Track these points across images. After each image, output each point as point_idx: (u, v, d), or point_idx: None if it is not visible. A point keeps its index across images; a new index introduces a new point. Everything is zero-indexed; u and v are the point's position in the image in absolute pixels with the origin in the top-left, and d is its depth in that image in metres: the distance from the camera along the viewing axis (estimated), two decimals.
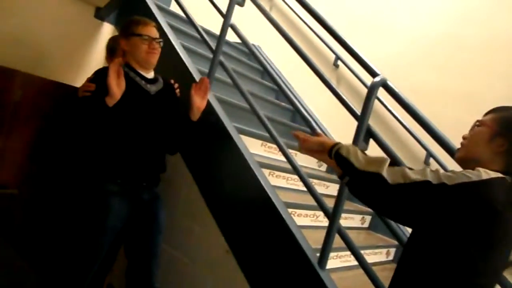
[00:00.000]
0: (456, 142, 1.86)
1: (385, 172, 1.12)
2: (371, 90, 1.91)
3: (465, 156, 1.23)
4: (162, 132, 2.01)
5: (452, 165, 2.35)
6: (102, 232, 1.85)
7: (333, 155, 1.29)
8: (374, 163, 1.16)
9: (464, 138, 1.26)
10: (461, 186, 1.03)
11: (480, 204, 1.04)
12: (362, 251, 1.93)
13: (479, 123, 1.23)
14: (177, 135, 2.08)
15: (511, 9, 2.88)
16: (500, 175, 1.08)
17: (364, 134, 1.88)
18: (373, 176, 1.13)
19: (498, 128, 1.16)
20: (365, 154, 1.24)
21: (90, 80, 1.88)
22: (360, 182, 1.19)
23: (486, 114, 1.25)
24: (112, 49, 2.35)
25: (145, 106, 1.95)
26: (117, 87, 1.77)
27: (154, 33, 1.98)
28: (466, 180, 1.04)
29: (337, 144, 1.31)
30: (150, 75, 2.02)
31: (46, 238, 2.32)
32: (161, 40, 2.00)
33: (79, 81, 2.35)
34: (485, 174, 1.06)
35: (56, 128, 2.28)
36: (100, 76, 1.82)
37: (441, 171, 1.08)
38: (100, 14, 3.13)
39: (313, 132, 2.32)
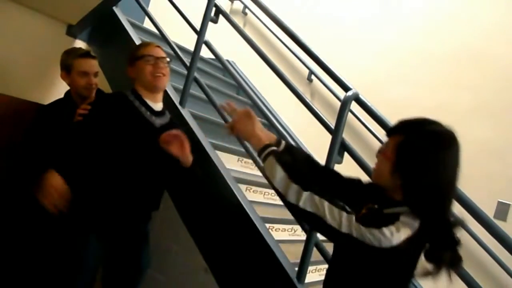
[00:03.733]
0: None
1: (302, 202, 1.16)
2: (344, 104, 1.94)
3: (376, 183, 1.28)
4: (165, 169, 1.81)
5: None
6: (79, 272, 1.74)
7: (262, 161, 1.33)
8: (292, 189, 1.19)
9: (379, 151, 1.26)
10: (368, 248, 1.08)
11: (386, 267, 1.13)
12: None
13: (381, 152, 1.25)
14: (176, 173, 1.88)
15: (474, 23, 3.00)
16: (408, 234, 1.11)
17: (339, 147, 1.91)
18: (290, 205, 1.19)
19: (395, 161, 1.17)
20: (287, 171, 1.23)
21: (89, 103, 1.74)
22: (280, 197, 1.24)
23: (391, 133, 1.24)
24: (66, 65, 2.13)
25: (149, 139, 1.75)
26: None
27: (158, 52, 1.83)
28: (373, 243, 1.07)
29: (263, 150, 1.33)
30: (158, 106, 1.86)
31: (20, 276, 2.19)
32: (169, 59, 1.84)
33: (50, 99, 2.30)
34: (396, 237, 1.07)
35: (27, 148, 2.21)
36: (102, 102, 1.74)
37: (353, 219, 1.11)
38: (72, 32, 3.10)
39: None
